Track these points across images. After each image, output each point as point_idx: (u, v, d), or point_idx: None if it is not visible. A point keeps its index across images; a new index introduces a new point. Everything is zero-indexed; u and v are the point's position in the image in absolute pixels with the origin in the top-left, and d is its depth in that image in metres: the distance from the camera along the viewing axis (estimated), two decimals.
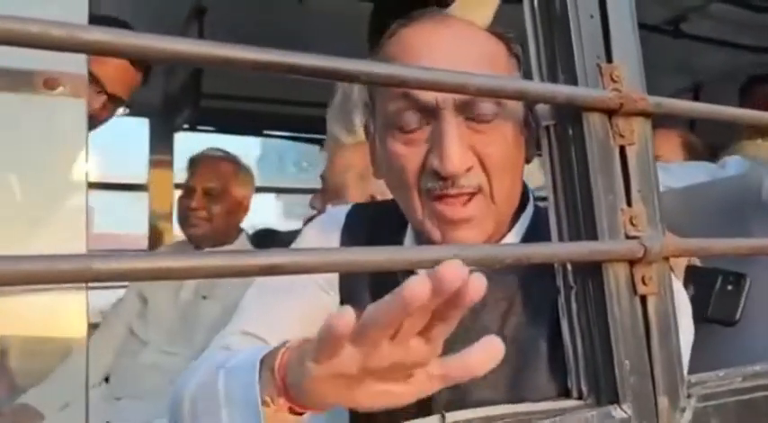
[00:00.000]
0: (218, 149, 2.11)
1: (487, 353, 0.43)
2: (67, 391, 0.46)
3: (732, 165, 1.20)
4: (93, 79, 1.41)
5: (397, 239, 0.81)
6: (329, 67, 0.48)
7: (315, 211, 1.62)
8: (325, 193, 1.61)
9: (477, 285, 0.38)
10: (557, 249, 0.61)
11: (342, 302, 0.81)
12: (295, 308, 0.79)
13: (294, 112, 2.77)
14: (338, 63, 0.49)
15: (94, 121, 1.50)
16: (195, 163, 2.07)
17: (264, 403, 0.54)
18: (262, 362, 0.56)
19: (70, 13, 0.43)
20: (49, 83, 0.43)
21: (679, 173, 1.27)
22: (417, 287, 0.37)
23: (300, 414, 0.53)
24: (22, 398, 0.43)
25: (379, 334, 0.41)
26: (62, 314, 0.44)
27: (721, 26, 2.36)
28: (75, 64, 0.44)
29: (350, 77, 0.51)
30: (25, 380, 0.43)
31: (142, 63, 1.53)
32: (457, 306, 0.40)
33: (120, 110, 1.60)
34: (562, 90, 0.62)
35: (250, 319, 0.77)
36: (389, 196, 0.83)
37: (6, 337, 0.42)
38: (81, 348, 0.45)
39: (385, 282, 0.77)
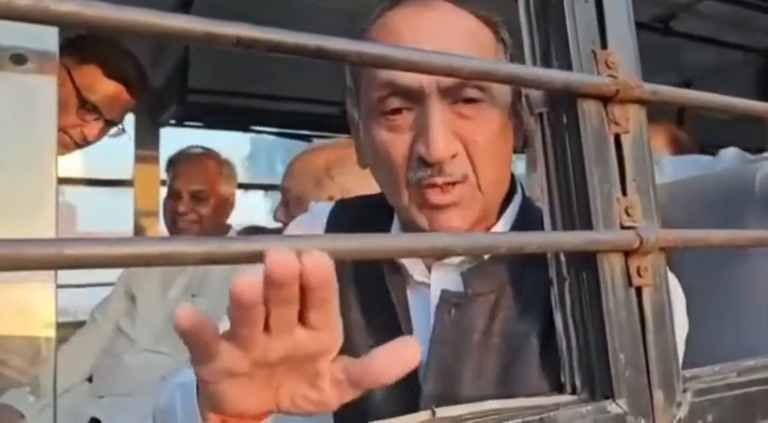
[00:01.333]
0: (199, 146, 2.08)
1: (395, 357, 0.42)
2: (43, 392, 0.44)
3: (728, 157, 1.20)
4: (91, 107, 1.47)
5: (383, 231, 0.80)
6: (316, 45, 0.46)
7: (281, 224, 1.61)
8: (288, 205, 1.59)
9: (314, 263, 0.36)
10: (551, 238, 0.60)
11: None
12: None
13: (283, 108, 2.76)
14: (325, 41, 0.47)
15: (90, 142, 1.55)
16: (177, 163, 2.03)
17: (205, 420, 0.52)
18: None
19: None
20: (16, 58, 0.41)
21: (669, 169, 1.27)
22: (243, 284, 0.36)
23: None
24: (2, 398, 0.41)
25: (243, 329, 0.40)
26: (31, 315, 0.42)
27: (711, 24, 2.37)
28: (45, 40, 0.42)
29: (338, 57, 0.49)
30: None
31: (136, 88, 1.58)
32: (312, 289, 0.38)
33: (114, 129, 1.63)
34: (557, 75, 0.60)
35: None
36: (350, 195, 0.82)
37: None
38: (51, 349, 0.43)
39: (373, 284, 0.76)
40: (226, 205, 2.05)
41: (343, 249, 0.47)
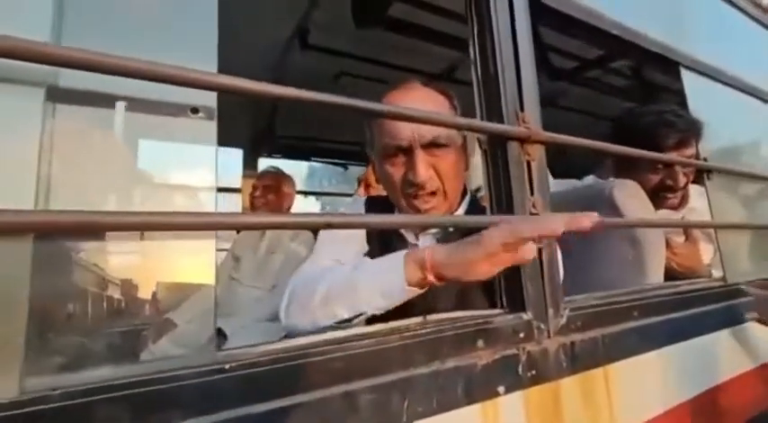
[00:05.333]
0: (273, 167, 2.06)
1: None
2: (195, 311, 0.43)
3: (588, 180, 1.20)
4: None
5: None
6: (349, 103, 0.47)
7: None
8: (368, 187, 1.63)
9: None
10: (494, 219, 0.60)
11: (368, 245, 0.77)
12: (348, 242, 0.75)
13: (327, 147, 2.76)
14: (358, 102, 0.47)
15: None
16: (263, 174, 2.02)
17: (409, 275, 0.54)
18: (406, 256, 0.56)
19: (201, 61, 0.41)
20: (193, 110, 0.42)
21: (551, 184, 1.26)
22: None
23: (440, 281, 0.54)
24: (167, 315, 0.40)
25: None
26: (195, 259, 0.42)
27: (576, 100, 2.35)
28: (209, 97, 0.42)
29: (369, 113, 0.49)
30: (169, 305, 0.39)
31: None
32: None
33: None
34: (497, 126, 0.61)
35: (324, 253, 0.74)
36: None
37: (157, 277, 0.39)
38: (210, 282, 0.42)
39: (387, 243, 0.76)
40: (286, 197, 2.00)
41: (372, 222, 0.47)
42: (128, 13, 0.40)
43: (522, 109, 0.63)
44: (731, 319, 0.85)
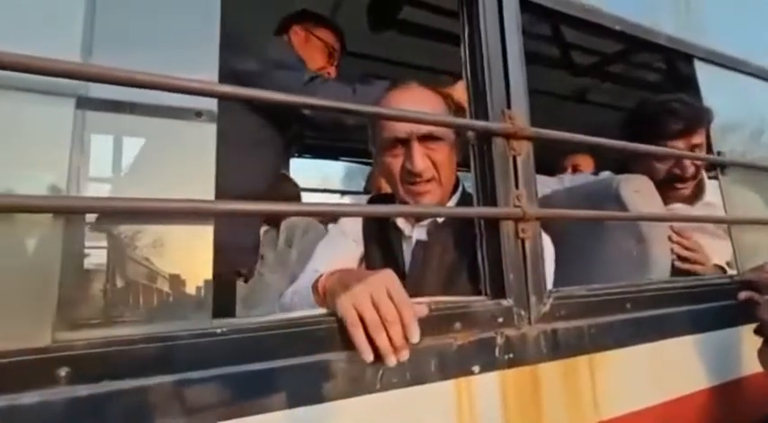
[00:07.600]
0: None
1: None
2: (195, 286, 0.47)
3: (603, 175, 1.19)
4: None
5: None
6: (357, 109, 0.51)
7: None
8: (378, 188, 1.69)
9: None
10: (478, 210, 0.63)
11: (364, 248, 0.83)
12: (339, 254, 0.82)
13: (354, 146, 2.83)
14: (364, 107, 0.52)
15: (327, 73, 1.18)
16: None
17: (316, 302, 0.59)
18: (313, 286, 0.61)
19: (203, 67, 0.47)
20: (197, 113, 0.48)
21: (568, 181, 1.25)
22: None
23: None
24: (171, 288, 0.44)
25: None
26: (196, 243, 0.47)
27: (608, 94, 2.27)
28: (211, 102, 0.48)
29: (368, 114, 0.54)
30: (174, 280, 0.45)
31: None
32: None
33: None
34: (483, 124, 0.63)
35: (317, 262, 0.81)
36: None
37: (166, 256, 0.45)
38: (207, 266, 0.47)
39: (385, 237, 0.81)
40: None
41: (373, 211, 0.51)
42: (143, 29, 0.47)
43: (509, 106, 0.65)
44: (739, 318, 0.82)
